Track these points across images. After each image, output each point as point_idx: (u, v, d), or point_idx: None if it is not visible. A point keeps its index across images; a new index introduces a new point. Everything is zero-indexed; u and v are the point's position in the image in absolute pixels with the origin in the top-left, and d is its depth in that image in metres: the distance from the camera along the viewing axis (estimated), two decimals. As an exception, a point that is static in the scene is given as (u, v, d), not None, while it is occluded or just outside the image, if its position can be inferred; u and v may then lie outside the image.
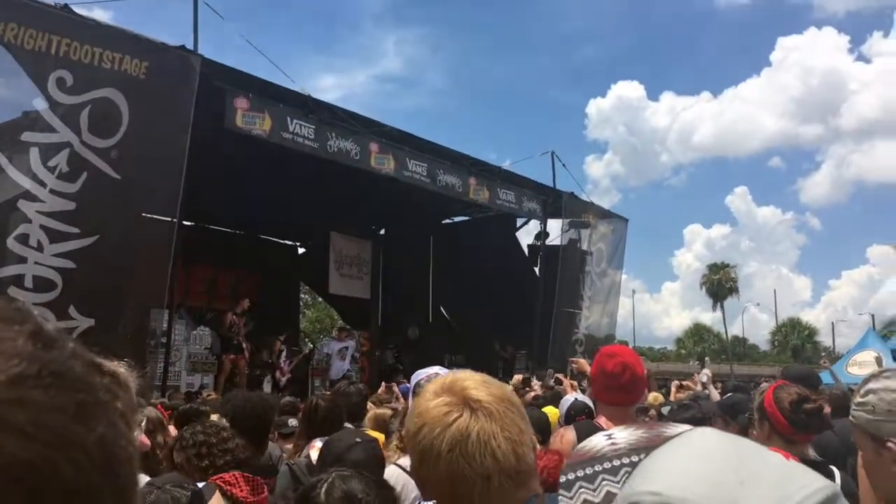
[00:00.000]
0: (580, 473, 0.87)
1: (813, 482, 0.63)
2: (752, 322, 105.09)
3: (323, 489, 1.63)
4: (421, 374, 3.21)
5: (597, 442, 0.92)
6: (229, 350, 14.05)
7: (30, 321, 0.40)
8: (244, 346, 14.10)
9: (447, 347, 19.49)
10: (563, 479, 0.87)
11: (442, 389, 1.42)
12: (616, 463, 0.87)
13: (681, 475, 0.64)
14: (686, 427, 0.85)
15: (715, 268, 68.62)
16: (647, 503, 0.63)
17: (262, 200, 16.69)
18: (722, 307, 67.13)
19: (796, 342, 66.07)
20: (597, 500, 0.84)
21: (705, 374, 11.68)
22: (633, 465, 0.83)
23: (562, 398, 6.61)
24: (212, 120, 10.43)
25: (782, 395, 2.99)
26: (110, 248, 9.05)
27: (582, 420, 4.09)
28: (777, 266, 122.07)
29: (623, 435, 0.92)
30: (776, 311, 71.19)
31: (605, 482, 0.86)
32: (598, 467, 0.87)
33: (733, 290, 66.88)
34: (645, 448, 0.85)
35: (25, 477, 0.34)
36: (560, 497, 0.87)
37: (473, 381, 1.41)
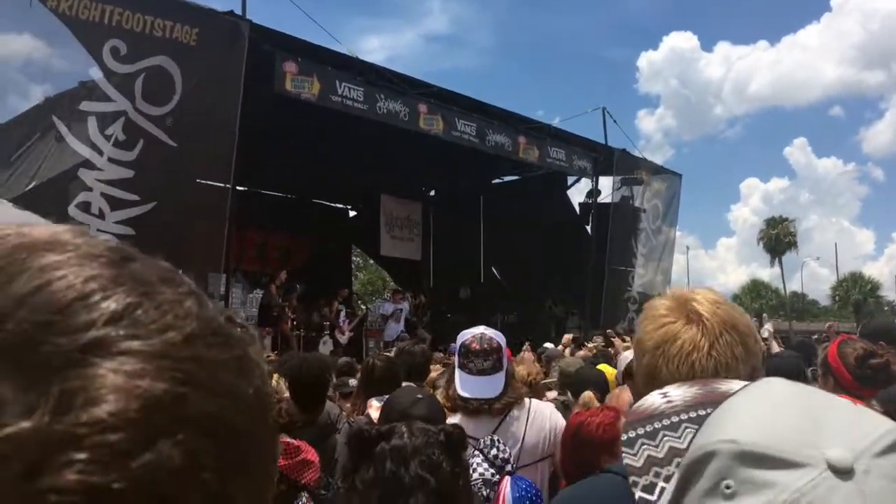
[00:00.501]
0: (640, 431, 0.87)
1: (883, 423, 0.63)
2: (812, 277, 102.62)
3: (403, 426, 1.68)
4: (466, 334, 3.21)
5: (653, 400, 0.92)
6: (266, 322, 14.23)
7: (185, 282, 0.43)
8: (286, 313, 14.30)
9: (498, 307, 19.53)
10: (624, 437, 0.88)
11: (674, 297, 1.45)
12: (675, 419, 0.88)
13: (755, 423, 0.64)
14: (741, 383, 0.84)
15: (773, 222, 67.10)
16: (724, 451, 0.62)
17: (312, 164, 16.83)
18: (780, 262, 65.79)
19: (858, 297, 64.42)
20: (660, 455, 0.84)
21: (766, 330, 11.45)
22: (692, 420, 0.85)
23: (611, 358, 6.57)
24: (262, 84, 10.49)
25: (847, 350, 2.94)
26: (168, 214, 9.24)
27: None
28: (838, 219, 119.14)
29: (678, 392, 0.92)
30: (837, 266, 69.34)
31: (666, 438, 0.86)
32: (657, 424, 0.87)
33: (792, 245, 65.41)
34: (700, 404, 0.86)
35: (213, 428, 0.37)
36: (624, 454, 0.87)
37: (703, 297, 1.43)
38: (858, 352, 2.92)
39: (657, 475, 0.82)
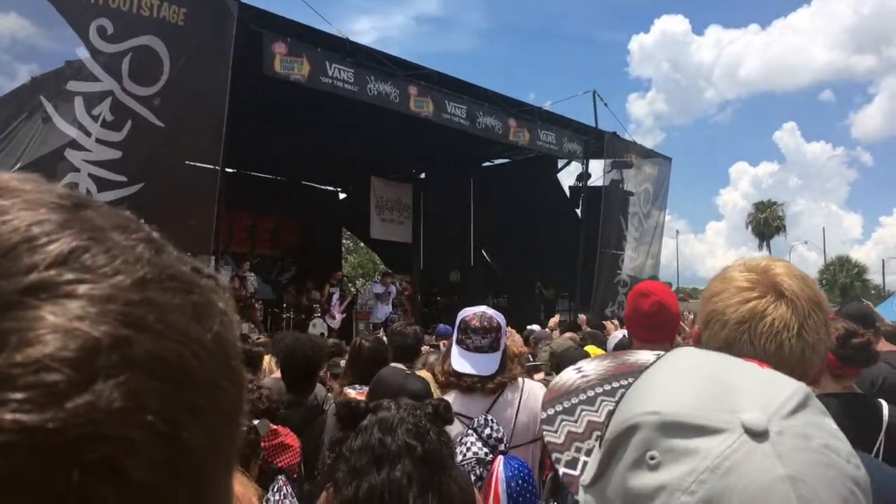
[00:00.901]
0: (559, 408, 0.90)
1: (790, 384, 0.67)
2: (800, 261, 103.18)
3: (391, 403, 1.71)
4: (468, 311, 3.23)
5: (568, 377, 0.95)
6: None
7: (142, 229, 0.43)
8: (253, 303, 14.31)
9: (489, 290, 19.58)
10: (543, 415, 0.90)
11: (754, 268, 1.41)
12: (591, 393, 0.91)
13: (674, 393, 0.66)
14: (650, 354, 0.87)
15: (761, 206, 67.39)
16: (646, 423, 0.64)
17: (302, 146, 16.77)
18: (768, 246, 66.14)
19: (845, 281, 64.84)
20: (580, 430, 0.86)
21: None
22: (607, 393, 0.87)
23: (603, 341, 6.61)
24: (250, 65, 10.41)
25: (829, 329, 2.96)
26: (156, 195, 9.19)
27: None
28: (826, 203, 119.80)
29: (591, 367, 0.95)
30: (825, 250, 69.75)
31: (584, 412, 0.89)
32: (574, 399, 0.90)
33: (780, 229, 65.77)
34: (613, 376, 0.88)
35: (161, 370, 0.37)
36: (545, 432, 0.89)
37: (787, 271, 1.40)
38: (840, 331, 2.94)
39: (578, 450, 0.84)
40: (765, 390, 0.66)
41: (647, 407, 0.66)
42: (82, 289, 0.36)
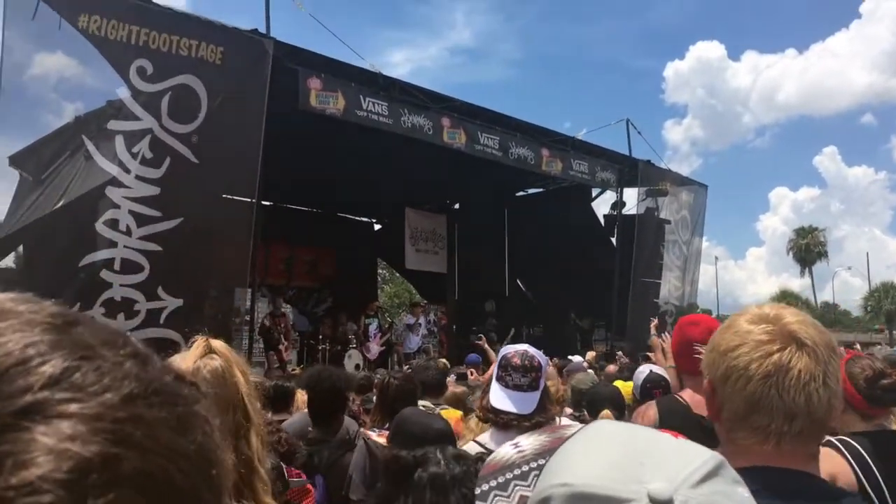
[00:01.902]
0: (493, 483, 0.93)
1: (702, 454, 0.69)
2: (844, 287, 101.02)
3: (437, 451, 1.69)
4: (509, 349, 3.23)
5: (504, 452, 0.98)
6: (269, 346, 14.23)
7: (129, 344, 0.45)
8: (282, 346, 14.32)
9: (524, 320, 19.47)
10: (478, 490, 0.93)
11: (764, 318, 1.39)
12: (525, 468, 0.94)
13: (585, 464, 0.69)
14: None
15: (802, 232, 66.30)
16: (557, 495, 0.67)
17: (337, 178, 16.95)
18: (810, 272, 64.95)
19: (890, 307, 63.14)
20: None
21: None
22: (541, 468, 0.89)
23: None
24: (286, 101, 10.60)
25: (855, 370, 2.91)
26: (194, 230, 9.35)
27: (659, 394, 4.02)
28: (870, 228, 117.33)
29: (528, 442, 0.97)
30: (869, 275, 68.16)
31: (517, 487, 0.92)
32: (508, 475, 0.93)
33: (822, 255, 64.58)
34: (549, 451, 0.93)
35: (148, 486, 0.38)
36: None
37: (800, 319, 1.39)
38: (868, 371, 2.88)
39: None
40: (674, 460, 0.68)
41: (559, 479, 0.68)
42: (73, 408, 0.38)
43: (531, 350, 3.22)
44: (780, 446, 1.29)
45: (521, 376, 3.10)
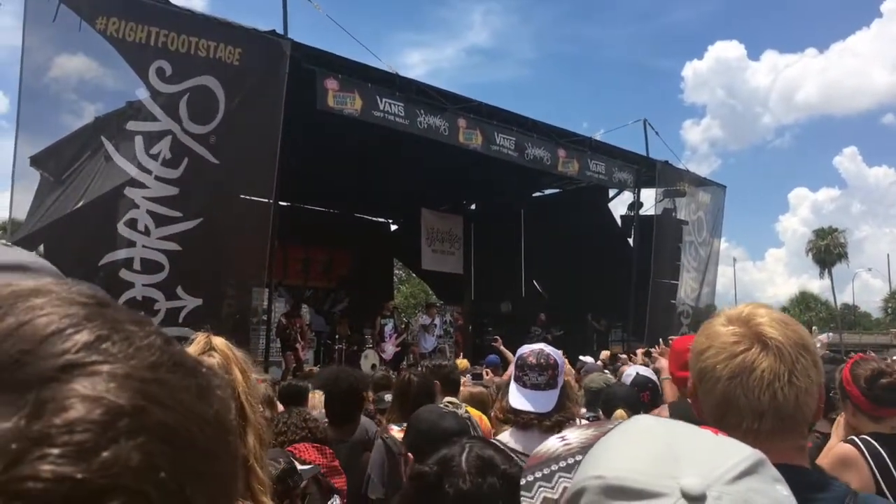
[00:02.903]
0: (538, 474, 0.95)
1: (741, 451, 0.70)
2: (864, 288, 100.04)
3: (463, 456, 1.64)
4: (525, 348, 3.24)
5: (551, 444, 0.99)
6: (286, 347, 14.26)
7: (153, 325, 0.51)
8: (298, 345, 14.34)
9: (540, 321, 19.42)
10: (523, 481, 0.93)
11: (735, 319, 1.42)
12: (570, 461, 0.95)
13: (620, 458, 0.70)
14: None
15: (822, 233, 65.68)
16: (591, 486, 0.69)
17: (354, 179, 17.00)
18: (830, 274, 64.30)
19: (911, 309, 62.50)
20: (555, 496, 0.91)
21: (819, 341, 11.16)
22: None
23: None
24: (304, 101, 10.65)
25: (858, 371, 2.91)
26: (212, 230, 9.42)
27: (646, 396, 4.00)
28: (891, 229, 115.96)
29: (575, 435, 0.98)
30: (889, 277, 67.46)
31: (561, 479, 0.93)
32: (554, 466, 0.95)
33: (842, 256, 63.89)
34: (593, 444, 0.91)
35: (171, 437, 0.44)
36: (522, 497, 0.92)
37: (770, 318, 1.41)
38: (868, 372, 2.88)
39: None
40: (710, 457, 0.69)
41: (593, 471, 0.70)
42: (105, 368, 0.44)
43: (547, 348, 3.22)
44: (758, 443, 1.29)
45: (537, 375, 3.11)
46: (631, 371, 4.26)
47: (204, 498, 0.45)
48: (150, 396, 0.44)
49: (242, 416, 1.75)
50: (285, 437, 3.31)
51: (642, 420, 0.78)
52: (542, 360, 3.14)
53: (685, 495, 0.64)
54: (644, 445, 0.72)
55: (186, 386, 0.47)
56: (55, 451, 0.39)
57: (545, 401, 3.07)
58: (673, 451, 0.69)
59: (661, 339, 8.31)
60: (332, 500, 3.06)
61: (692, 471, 0.66)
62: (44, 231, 8.96)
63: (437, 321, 17.19)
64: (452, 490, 1.57)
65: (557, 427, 3.04)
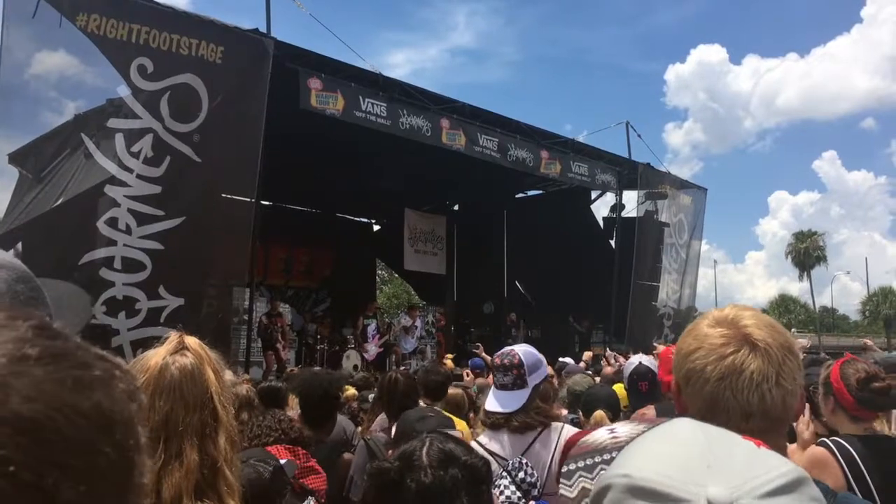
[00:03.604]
0: (580, 464, 0.94)
1: (781, 466, 0.68)
2: (843, 291, 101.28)
3: (423, 450, 1.63)
4: (500, 351, 3.24)
5: (599, 436, 0.98)
6: (267, 347, 14.19)
7: (36, 318, 0.51)
8: (279, 344, 14.28)
9: (523, 322, 19.46)
10: (564, 469, 0.93)
11: (723, 321, 1.43)
12: (614, 454, 0.94)
13: (651, 460, 0.70)
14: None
15: (801, 236, 66.38)
16: (616, 484, 0.68)
17: (336, 179, 16.95)
18: (809, 276, 65.00)
19: (888, 312, 63.23)
20: (592, 488, 0.91)
21: (799, 342, 11.23)
22: None
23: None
24: (286, 101, 10.60)
25: (849, 371, 2.93)
26: (194, 229, 9.34)
27: (645, 386, 4.01)
28: (869, 233, 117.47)
29: (625, 429, 0.98)
30: (867, 280, 68.30)
31: (601, 471, 0.91)
32: (597, 458, 0.94)
33: (821, 259, 64.63)
34: None
35: (30, 429, 0.43)
36: (561, 485, 0.91)
37: (756, 321, 1.42)
38: (861, 374, 2.90)
39: None
40: (746, 469, 0.67)
41: (621, 469, 0.69)
42: None
43: (517, 348, 3.21)
44: None
45: (503, 375, 3.11)
46: (634, 360, 4.25)
47: (73, 491, 0.43)
48: (7, 385, 0.43)
49: (214, 417, 1.73)
50: (259, 439, 3.29)
51: (682, 423, 0.77)
52: (506, 361, 3.13)
53: None
54: (677, 449, 0.71)
55: (58, 378, 0.46)
56: None
57: (511, 400, 3.06)
58: (706, 459, 0.68)
59: (607, 349, 8.44)
60: (306, 501, 3.04)
61: (722, 480, 0.65)
62: (22, 229, 8.85)
63: (418, 322, 17.18)
64: (415, 484, 1.55)
65: (527, 428, 3.03)
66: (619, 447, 0.92)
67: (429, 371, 4.62)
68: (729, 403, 1.34)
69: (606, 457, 0.91)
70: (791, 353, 1.39)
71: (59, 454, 0.43)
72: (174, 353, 1.79)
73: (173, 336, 1.86)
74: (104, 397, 0.48)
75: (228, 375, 1.96)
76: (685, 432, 0.74)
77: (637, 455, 0.71)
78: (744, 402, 1.34)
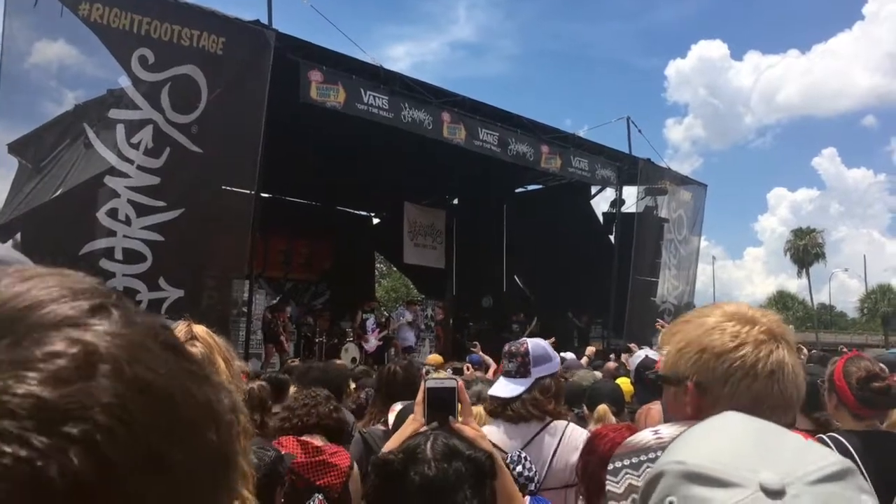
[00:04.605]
0: (626, 462, 0.97)
1: (828, 457, 0.70)
2: (841, 289, 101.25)
3: (428, 444, 1.63)
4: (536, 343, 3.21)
5: (644, 436, 1.01)
6: (269, 340, 14.17)
7: (161, 318, 0.54)
8: (281, 338, 14.28)
9: (521, 316, 19.47)
10: (611, 466, 0.95)
11: (749, 320, 1.45)
12: (659, 453, 0.95)
13: (703, 448, 0.72)
14: None
15: (800, 233, 66.42)
16: (670, 471, 0.70)
17: (336, 171, 16.92)
18: (808, 273, 65.04)
19: (886, 309, 63.26)
20: (640, 484, 0.91)
21: None
22: None
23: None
24: (287, 93, 10.58)
25: (852, 369, 2.93)
26: (194, 220, 9.33)
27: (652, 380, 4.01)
28: (868, 230, 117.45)
29: (669, 430, 1.01)
30: (866, 277, 68.27)
31: (648, 469, 0.94)
32: (643, 457, 0.97)
33: (820, 256, 64.67)
34: None
35: (148, 392, 0.45)
36: (608, 482, 0.93)
37: (771, 318, 1.47)
38: (861, 372, 2.90)
39: (634, 501, 0.87)
40: (796, 458, 0.70)
41: (675, 457, 0.71)
42: (98, 327, 0.46)
43: (530, 339, 3.21)
44: None
45: (508, 361, 3.12)
46: (640, 353, 4.26)
47: (177, 456, 0.45)
48: (134, 355, 0.45)
49: None
50: (288, 422, 3.33)
51: (732, 416, 0.79)
52: (513, 348, 3.14)
53: (763, 489, 0.65)
54: (729, 439, 0.73)
55: (179, 366, 0.48)
56: (30, 374, 0.41)
57: (511, 388, 3.06)
58: (758, 448, 0.71)
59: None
60: (311, 499, 3.02)
61: (774, 468, 0.67)
62: (21, 220, 8.85)
63: (418, 316, 17.19)
64: (418, 477, 1.55)
65: (521, 419, 3.01)
66: (663, 447, 0.96)
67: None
68: (776, 398, 1.37)
69: (652, 455, 0.95)
70: (796, 348, 1.45)
71: (170, 423, 0.45)
72: (183, 342, 1.78)
73: (181, 325, 1.86)
74: (212, 394, 0.51)
75: (238, 363, 1.96)
76: (736, 424, 0.77)
77: (690, 444, 0.74)
78: (787, 396, 1.38)
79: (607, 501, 0.92)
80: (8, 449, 0.39)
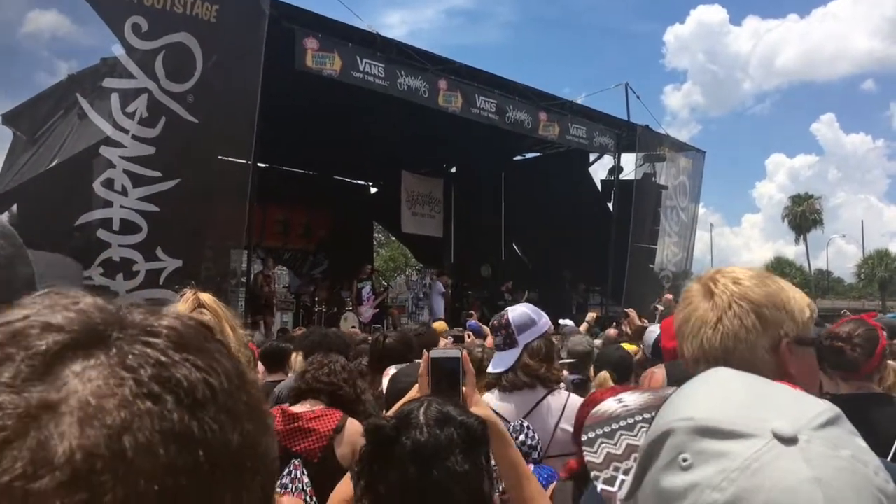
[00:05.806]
0: (599, 432, 0.99)
1: (821, 404, 0.72)
2: (839, 254, 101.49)
3: (421, 410, 1.64)
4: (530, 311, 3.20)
5: (609, 405, 1.03)
6: (255, 311, 13.72)
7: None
8: (273, 303, 14.27)
9: (520, 284, 19.52)
10: (584, 437, 0.96)
11: (702, 279, 1.50)
12: (630, 421, 0.96)
13: (708, 402, 0.72)
14: None
15: (798, 199, 66.41)
16: (679, 428, 0.69)
17: (333, 140, 16.83)
18: (805, 240, 65.15)
19: (884, 275, 63.46)
20: (619, 452, 0.93)
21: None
22: (646, 421, 0.93)
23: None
24: (283, 61, 10.48)
25: (832, 329, 2.95)
26: (190, 190, 9.29)
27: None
28: (866, 196, 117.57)
29: (632, 398, 1.02)
30: (863, 243, 68.37)
31: (623, 436, 0.94)
32: (614, 425, 0.99)
33: (817, 222, 64.74)
34: (654, 407, 0.93)
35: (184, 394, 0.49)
36: (585, 453, 0.94)
37: (727, 275, 1.50)
38: (826, 331, 2.96)
39: (616, 469, 0.91)
40: (795, 405, 0.71)
41: (681, 414, 0.71)
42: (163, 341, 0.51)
43: (510, 308, 3.20)
44: None
45: (495, 335, 3.13)
46: (654, 328, 4.27)
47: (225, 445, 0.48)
48: (206, 353, 0.52)
49: None
50: (297, 389, 3.38)
51: (723, 372, 0.80)
52: (495, 322, 3.16)
53: (777, 437, 0.66)
54: (731, 392, 0.74)
55: (237, 384, 0.53)
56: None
57: (501, 361, 3.07)
58: (759, 399, 0.72)
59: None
60: (289, 465, 3.05)
61: (781, 416, 0.68)
62: (17, 191, 8.80)
63: (447, 287, 17.41)
64: (410, 442, 1.57)
65: (515, 387, 3.01)
66: (630, 413, 0.96)
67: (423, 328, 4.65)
68: (685, 354, 1.46)
69: (623, 423, 0.96)
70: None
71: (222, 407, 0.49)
72: (191, 311, 1.79)
73: (188, 294, 1.86)
74: (257, 401, 0.55)
75: (241, 332, 1.97)
76: (730, 379, 0.77)
77: (692, 401, 0.74)
78: (689, 349, 1.44)
79: (589, 472, 0.92)
80: None
